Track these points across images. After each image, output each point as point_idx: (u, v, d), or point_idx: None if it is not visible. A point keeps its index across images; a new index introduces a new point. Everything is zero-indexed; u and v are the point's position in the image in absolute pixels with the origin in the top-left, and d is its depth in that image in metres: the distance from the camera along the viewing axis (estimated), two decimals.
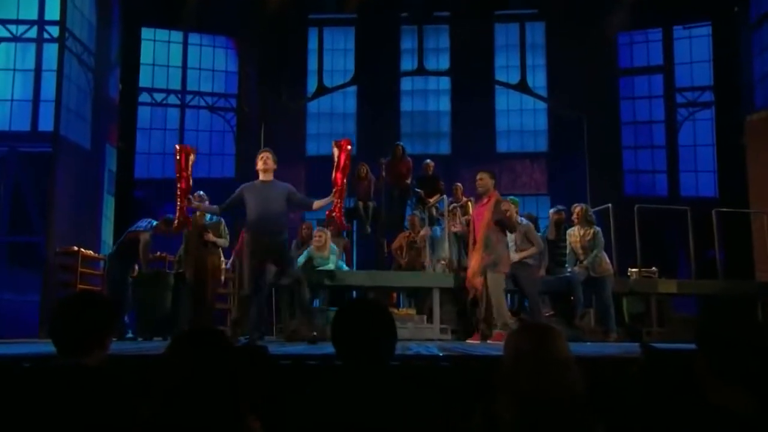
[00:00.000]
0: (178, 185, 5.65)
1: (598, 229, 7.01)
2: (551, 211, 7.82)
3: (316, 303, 8.88)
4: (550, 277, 7.23)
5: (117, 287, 6.97)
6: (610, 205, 8.28)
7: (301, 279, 5.67)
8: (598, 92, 12.38)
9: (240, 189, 5.61)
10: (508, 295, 7.32)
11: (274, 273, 5.65)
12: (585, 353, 3.65)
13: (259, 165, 5.56)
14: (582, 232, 6.92)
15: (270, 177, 5.55)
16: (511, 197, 7.96)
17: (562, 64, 12.67)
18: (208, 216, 6.83)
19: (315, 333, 5.39)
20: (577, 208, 7.04)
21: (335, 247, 7.61)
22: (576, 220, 6.99)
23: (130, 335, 7.01)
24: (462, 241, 7.73)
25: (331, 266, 7.32)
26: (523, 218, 6.98)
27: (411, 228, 8.43)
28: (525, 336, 1.71)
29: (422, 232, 7.93)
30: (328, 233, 7.44)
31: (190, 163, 5.69)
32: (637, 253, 8.07)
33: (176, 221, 5.80)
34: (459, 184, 9.27)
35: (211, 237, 6.76)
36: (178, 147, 5.75)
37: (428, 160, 9.81)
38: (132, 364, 2.86)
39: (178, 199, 5.64)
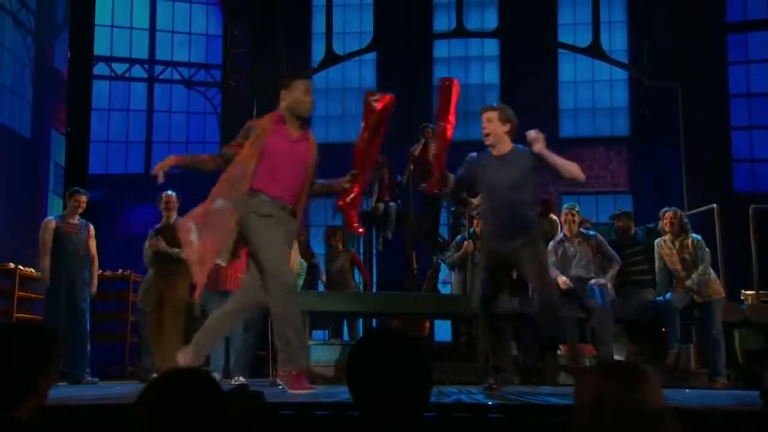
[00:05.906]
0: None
1: (699, 237, 6.96)
2: (615, 214, 7.74)
3: (323, 335, 8.88)
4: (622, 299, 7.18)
5: (67, 314, 7.01)
6: (714, 205, 8.16)
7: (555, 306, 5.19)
8: (699, 55, 12.24)
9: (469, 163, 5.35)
10: None
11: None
12: (684, 404, 3.62)
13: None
14: (677, 243, 6.92)
15: (507, 146, 5.14)
16: (568, 204, 7.86)
17: (648, 19, 12.54)
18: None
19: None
20: (668, 214, 7.04)
21: (303, 262, 7.41)
22: (668, 229, 6.98)
23: (90, 378, 7.06)
24: None
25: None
26: (588, 230, 7.02)
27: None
28: (609, 381, 1.70)
29: (464, 247, 7.80)
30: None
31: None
32: (754, 269, 7.93)
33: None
34: None
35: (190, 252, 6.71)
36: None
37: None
38: (74, 417, 2.82)
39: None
